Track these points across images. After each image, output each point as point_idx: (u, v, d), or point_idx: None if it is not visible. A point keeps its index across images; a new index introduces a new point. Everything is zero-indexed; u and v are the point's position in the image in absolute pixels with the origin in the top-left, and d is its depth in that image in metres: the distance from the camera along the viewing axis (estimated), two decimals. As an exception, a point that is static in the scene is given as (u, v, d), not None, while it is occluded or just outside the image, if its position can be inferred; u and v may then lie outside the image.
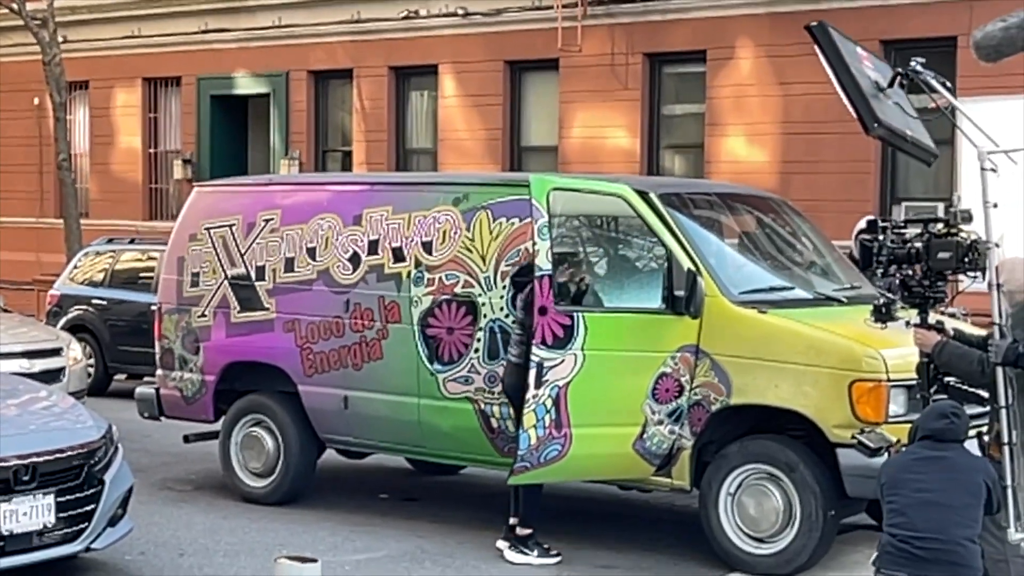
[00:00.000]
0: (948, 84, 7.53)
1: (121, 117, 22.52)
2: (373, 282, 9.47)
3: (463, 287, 9.06)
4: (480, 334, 8.91)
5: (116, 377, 16.27)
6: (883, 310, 6.71)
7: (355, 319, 9.51)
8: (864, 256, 6.85)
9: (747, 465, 8.26)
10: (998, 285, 6.41)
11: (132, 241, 16.95)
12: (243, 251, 10.15)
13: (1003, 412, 6.34)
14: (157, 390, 10.69)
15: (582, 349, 8.16)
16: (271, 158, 20.96)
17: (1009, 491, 6.27)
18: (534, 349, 8.08)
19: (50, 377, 11.90)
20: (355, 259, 9.59)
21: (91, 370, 15.00)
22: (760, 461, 8.23)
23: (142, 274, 16.10)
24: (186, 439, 10.79)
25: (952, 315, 7.11)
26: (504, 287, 8.81)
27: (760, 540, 8.25)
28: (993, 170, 6.53)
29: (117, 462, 8.03)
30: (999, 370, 6.34)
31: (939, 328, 6.63)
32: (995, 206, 6.47)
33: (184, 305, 10.43)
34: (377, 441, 9.71)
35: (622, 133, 17.54)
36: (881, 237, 6.74)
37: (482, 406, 8.93)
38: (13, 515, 7.28)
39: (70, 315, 16.13)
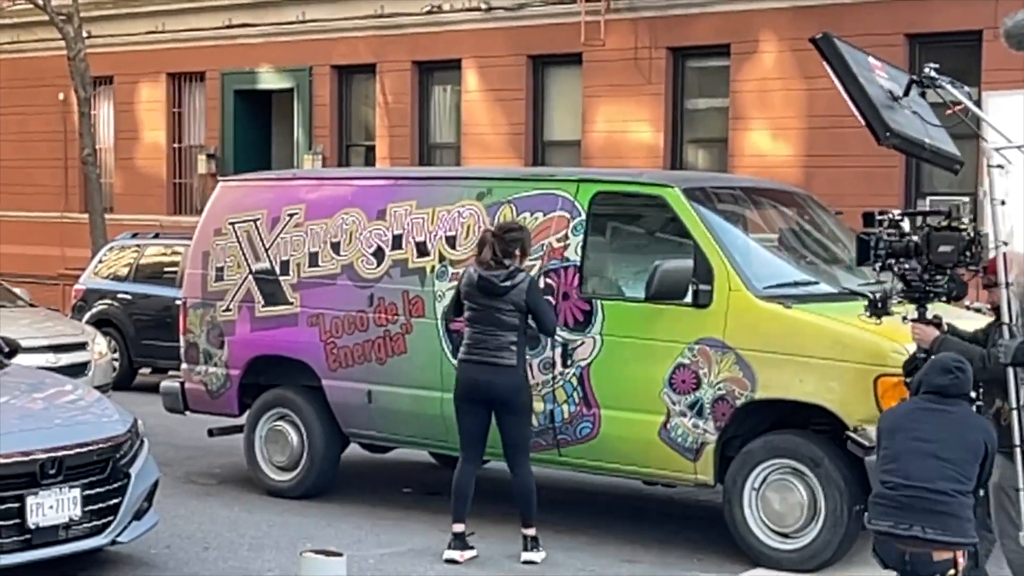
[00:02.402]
0: (965, 87, 7.47)
1: (145, 112, 22.59)
2: (397, 276, 9.49)
3: None
4: None
5: (141, 371, 16.34)
6: (878, 304, 6.63)
7: (379, 313, 9.53)
8: (861, 250, 6.76)
9: (772, 460, 8.24)
10: (1007, 283, 6.33)
11: (156, 236, 16.99)
12: (267, 245, 10.16)
13: (1015, 414, 6.24)
14: (182, 384, 10.68)
15: (600, 333, 8.61)
16: (295, 153, 21.00)
17: (1022, 495, 6.19)
18: (558, 331, 8.56)
19: (75, 371, 11.96)
20: (379, 253, 9.61)
21: (116, 364, 15.08)
22: (785, 456, 8.21)
23: (166, 268, 16.15)
24: (211, 433, 10.79)
25: (978, 310, 7.08)
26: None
27: (784, 535, 8.22)
28: (1000, 167, 6.46)
29: (143, 456, 8.07)
30: (1009, 371, 6.25)
31: (937, 323, 6.54)
32: (1003, 203, 6.40)
33: (209, 299, 10.44)
34: (401, 435, 9.73)
35: (645, 127, 17.51)
36: (879, 231, 6.67)
37: None
38: (39, 508, 7.32)
39: (95, 309, 16.20)
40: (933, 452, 5.86)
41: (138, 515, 7.92)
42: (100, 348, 13.05)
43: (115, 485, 7.72)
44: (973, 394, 6.32)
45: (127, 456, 7.90)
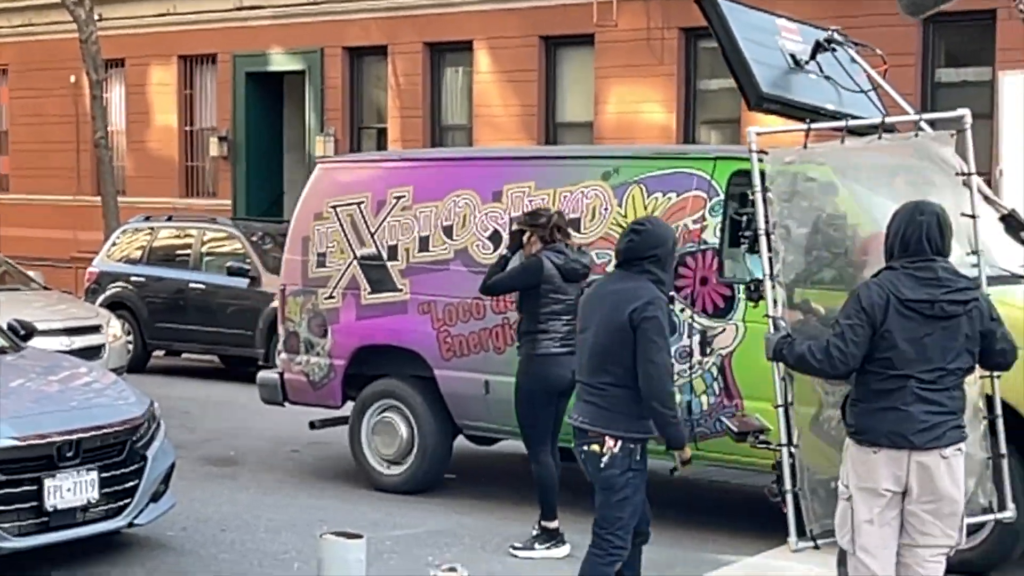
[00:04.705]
0: (879, 51, 7.28)
1: (157, 95, 22.60)
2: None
3: None
4: None
5: (154, 354, 16.40)
6: (752, 287, 6.40)
7: (497, 300, 9.01)
8: (732, 231, 6.47)
9: None
10: (772, 275, 6.10)
11: (169, 218, 17.02)
12: (373, 230, 9.74)
13: (780, 412, 6.06)
14: (281, 374, 10.23)
15: (743, 320, 8.14)
16: (306, 135, 21.00)
17: (789, 496, 5.99)
18: (696, 318, 8.17)
19: (90, 354, 11.98)
20: (495, 237, 9.14)
21: (130, 347, 15.11)
22: None
23: (179, 251, 16.20)
24: (312, 426, 10.35)
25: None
26: None
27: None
28: (763, 153, 6.27)
29: (159, 438, 8.08)
30: (774, 367, 6.04)
31: (804, 308, 6.36)
32: (766, 192, 6.15)
33: (310, 287, 10.02)
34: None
35: (658, 108, 17.48)
36: (751, 210, 6.33)
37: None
38: (57, 491, 7.33)
39: (108, 292, 16.24)
40: (590, 344, 6.08)
41: (155, 497, 7.94)
42: (114, 331, 13.08)
43: (132, 468, 7.74)
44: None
45: (144, 439, 7.91)
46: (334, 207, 9.96)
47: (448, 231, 9.39)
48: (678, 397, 8.08)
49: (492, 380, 9.12)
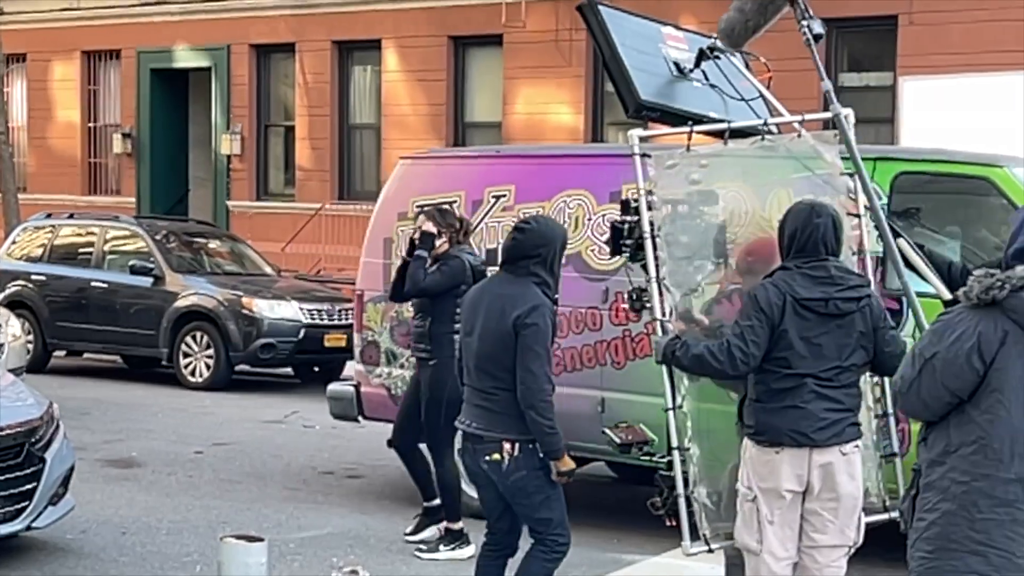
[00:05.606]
0: (764, 60, 7.32)
1: (59, 90, 22.27)
2: (639, 268, 7.52)
3: None
4: None
5: (55, 354, 16.16)
6: (635, 296, 6.26)
7: (616, 311, 8.28)
8: (614, 239, 6.26)
9: None
10: (659, 279, 6.08)
11: (71, 216, 16.81)
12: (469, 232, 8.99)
13: (670, 415, 6.06)
14: (357, 387, 9.47)
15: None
16: (212, 132, 20.81)
17: (681, 500, 5.97)
18: None
19: (-12, 354, 11.76)
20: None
21: (30, 347, 14.87)
22: None
23: (81, 249, 15.98)
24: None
25: None
26: None
27: None
28: (647, 156, 6.20)
29: (58, 440, 7.95)
30: (664, 370, 6.03)
31: (687, 319, 6.22)
32: (650, 193, 6.11)
33: None
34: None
35: (566, 109, 17.55)
36: (634, 218, 6.14)
37: None
38: (-48, 494, 7.20)
39: (8, 291, 15.98)
40: (475, 349, 5.94)
41: (54, 500, 7.81)
42: (14, 330, 12.84)
43: (30, 470, 7.60)
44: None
45: (42, 441, 7.77)
46: (422, 207, 8.95)
47: None
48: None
49: (609, 397, 8.38)
